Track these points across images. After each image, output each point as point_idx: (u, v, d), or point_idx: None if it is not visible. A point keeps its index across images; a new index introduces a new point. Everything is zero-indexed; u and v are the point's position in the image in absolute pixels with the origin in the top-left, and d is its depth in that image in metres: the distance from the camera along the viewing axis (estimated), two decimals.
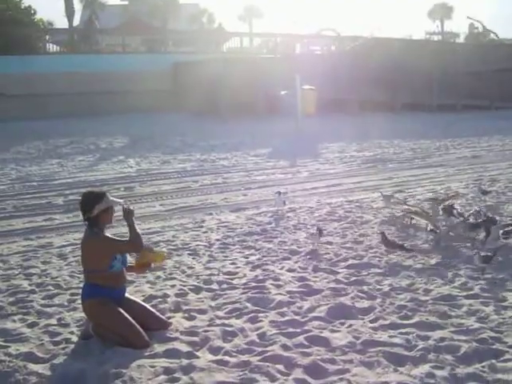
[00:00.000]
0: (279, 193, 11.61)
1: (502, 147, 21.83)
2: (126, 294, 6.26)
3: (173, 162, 18.50)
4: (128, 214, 6.12)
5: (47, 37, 43.79)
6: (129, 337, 5.76)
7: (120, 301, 6.04)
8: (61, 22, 56.77)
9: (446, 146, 21.94)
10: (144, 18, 56.39)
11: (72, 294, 7.28)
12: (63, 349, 5.78)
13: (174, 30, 53.49)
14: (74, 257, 8.88)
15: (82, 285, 7.40)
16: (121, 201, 6.32)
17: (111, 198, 6.08)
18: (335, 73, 33.28)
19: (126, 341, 5.74)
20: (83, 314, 6.24)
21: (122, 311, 5.89)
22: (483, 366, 5.26)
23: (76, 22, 56.16)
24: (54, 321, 6.48)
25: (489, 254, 7.96)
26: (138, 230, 6.15)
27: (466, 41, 74.48)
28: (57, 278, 7.99)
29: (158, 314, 6.31)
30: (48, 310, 6.81)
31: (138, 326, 5.83)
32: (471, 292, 7.11)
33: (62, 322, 6.45)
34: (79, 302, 6.83)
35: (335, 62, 35.85)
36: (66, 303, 7.03)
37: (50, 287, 7.61)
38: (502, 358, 5.41)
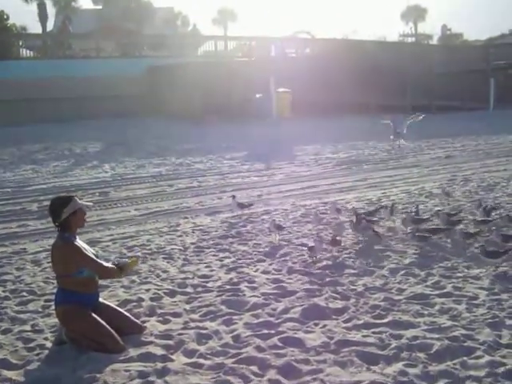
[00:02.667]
0: (233, 196, 11.68)
1: (475, 147, 22.03)
2: (100, 299, 6.25)
3: (148, 167, 18.46)
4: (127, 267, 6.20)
5: (20, 42, 43.43)
6: (103, 341, 5.75)
7: (93, 306, 6.02)
8: (34, 27, 56.46)
9: (421, 147, 22.11)
10: (118, 22, 56.19)
11: (46, 300, 7.24)
12: (37, 355, 5.76)
13: (149, 34, 53.37)
14: (49, 263, 8.79)
15: (55, 290, 7.43)
16: (89, 204, 6.28)
17: (79, 201, 6.03)
18: (310, 75, 33.38)
19: (100, 346, 5.73)
20: (57, 320, 6.23)
21: (96, 316, 5.87)
22: (455, 364, 5.33)
23: (49, 27, 55.94)
24: (27, 327, 6.45)
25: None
26: (115, 274, 6.24)
27: (439, 42, 75.12)
28: (31, 284, 7.94)
29: (132, 318, 6.30)
30: (22, 316, 6.78)
31: (113, 331, 5.82)
32: (444, 290, 7.18)
33: (36, 328, 6.42)
34: (53, 308, 6.81)
35: (310, 64, 35.98)
36: (40, 309, 7.00)
37: (24, 293, 7.57)
38: (473, 355, 5.48)
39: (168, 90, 33.99)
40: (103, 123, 31.88)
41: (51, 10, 57.80)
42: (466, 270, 7.95)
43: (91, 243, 9.75)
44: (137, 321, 6.31)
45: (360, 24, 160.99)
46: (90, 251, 6.03)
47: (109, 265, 6.20)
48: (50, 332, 6.27)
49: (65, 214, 5.89)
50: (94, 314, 5.89)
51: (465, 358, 5.41)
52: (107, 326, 5.83)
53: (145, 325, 6.30)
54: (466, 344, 5.70)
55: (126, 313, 6.35)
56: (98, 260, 6.03)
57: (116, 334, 5.81)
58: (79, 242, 5.99)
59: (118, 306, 6.61)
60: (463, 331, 5.96)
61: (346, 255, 8.75)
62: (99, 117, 33.36)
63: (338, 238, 9.04)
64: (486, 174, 15.80)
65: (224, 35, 61.78)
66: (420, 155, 20.15)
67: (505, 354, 5.50)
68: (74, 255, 5.84)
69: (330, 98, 34.34)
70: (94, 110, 34.30)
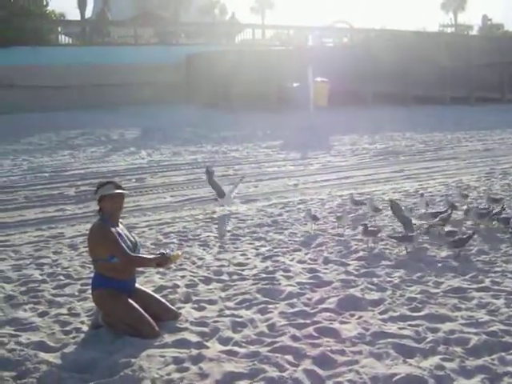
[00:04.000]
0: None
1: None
2: (137, 285, 6.28)
3: (184, 154, 18.52)
4: (161, 260, 6.11)
5: (59, 28, 43.76)
6: (138, 327, 5.78)
7: (130, 292, 6.06)
8: (73, 14, 56.90)
9: (458, 139, 21.86)
10: (156, 9, 56.35)
11: (82, 284, 7.31)
12: (73, 338, 5.81)
13: (186, 22, 53.41)
14: (85, 247, 8.84)
15: (92, 275, 7.49)
16: (122, 191, 6.20)
17: (109, 188, 6.03)
18: (348, 65, 33.15)
19: (135, 331, 5.76)
20: (93, 304, 6.27)
21: (132, 302, 5.91)
22: (493, 359, 5.25)
23: (88, 13, 56.24)
24: (64, 310, 6.51)
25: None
26: (148, 265, 6.34)
27: (479, 33, 74.02)
28: (68, 268, 8.02)
29: (168, 304, 6.32)
30: (59, 299, 6.84)
31: (148, 317, 5.85)
32: (482, 285, 7.08)
33: (73, 311, 6.48)
34: (89, 292, 6.87)
35: (348, 54, 35.74)
36: (76, 293, 7.06)
37: (61, 277, 7.64)
38: (511, 351, 5.39)
39: (205, 78, 34.00)
40: (140, 110, 32.02)
41: None
42: (504, 265, 7.83)
43: (127, 229, 9.84)
44: (172, 307, 6.33)
45: (399, 14, 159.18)
46: (128, 239, 6.06)
47: (142, 255, 6.22)
48: (86, 316, 6.31)
49: (97, 197, 6.04)
50: (130, 300, 5.92)
51: (503, 354, 5.32)
52: (143, 312, 5.86)
53: (180, 311, 6.31)
54: (504, 339, 5.60)
55: (162, 299, 6.37)
56: (129, 251, 5.95)
57: (152, 320, 5.84)
58: (118, 229, 6.03)
59: (153, 291, 6.64)
60: (501, 326, 5.86)
61: (382, 246, 8.68)
62: (136, 104, 33.51)
63: (371, 228, 8.93)
64: None
65: (262, 24, 61.62)
66: (458, 147, 19.92)
67: None
68: (105, 240, 5.88)
69: (367, 88, 34.11)
70: (131, 97, 34.44)
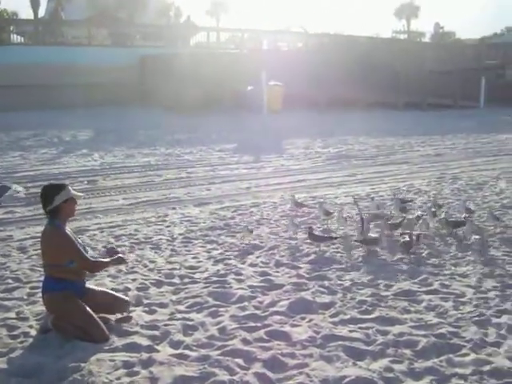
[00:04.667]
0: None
1: (464, 145, 22.06)
2: (86, 284, 6.22)
3: (137, 156, 18.36)
4: (118, 262, 6.33)
5: (11, 27, 43.09)
6: (89, 330, 5.72)
7: (81, 293, 5.99)
8: (26, 13, 56.08)
9: (410, 144, 22.11)
10: (111, 10, 55.88)
11: (32, 288, 7.20)
12: (21, 342, 5.72)
13: (141, 24, 53.09)
14: (35, 250, 8.77)
15: (42, 278, 7.35)
16: (81, 194, 6.29)
17: (72, 191, 6.00)
18: (302, 69, 33.30)
19: (85, 334, 5.71)
20: (42, 308, 6.20)
21: (83, 304, 5.85)
22: (441, 361, 5.33)
23: (41, 13, 55.55)
24: (12, 314, 6.40)
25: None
26: (107, 266, 6.39)
27: (432, 40, 75.17)
28: (16, 271, 7.88)
29: (118, 294, 6.39)
30: (7, 303, 6.72)
31: (99, 320, 5.81)
32: (431, 287, 7.19)
33: (21, 315, 6.37)
34: (39, 295, 6.79)
35: (302, 58, 35.92)
36: (25, 297, 6.95)
37: (10, 280, 7.50)
38: (459, 353, 5.49)
39: (159, 80, 33.82)
40: (93, 112, 31.67)
41: None
42: (453, 268, 7.97)
43: (79, 231, 9.74)
44: (123, 296, 6.39)
45: (353, 20, 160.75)
46: (78, 242, 5.99)
47: (96, 259, 6.18)
48: (35, 320, 6.22)
49: (56, 201, 5.86)
50: (81, 302, 5.85)
51: (451, 356, 5.42)
52: (94, 315, 5.81)
53: (131, 314, 6.26)
54: (452, 341, 5.71)
55: (112, 292, 6.43)
56: (86, 254, 5.96)
57: (102, 324, 5.79)
58: (68, 232, 5.95)
59: None
60: (450, 328, 5.97)
61: (333, 250, 8.74)
62: (89, 105, 33.11)
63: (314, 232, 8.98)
64: (475, 173, 15.83)
65: (217, 27, 61.62)
66: (410, 152, 20.16)
67: (491, 352, 5.50)
68: (66, 246, 5.81)
69: (321, 92, 34.27)
70: (84, 98, 33.99)
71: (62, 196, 5.88)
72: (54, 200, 5.86)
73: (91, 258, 5.99)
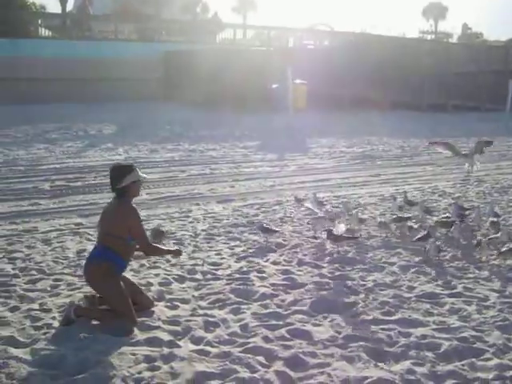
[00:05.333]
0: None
1: (489, 148, 21.85)
2: None
3: (161, 151, 18.43)
4: (175, 253, 6.79)
5: (39, 21, 43.43)
6: (122, 310, 5.91)
7: (120, 273, 6.21)
8: (54, 7, 56.50)
9: None
10: (138, 5, 56.09)
11: (55, 280, 7.25)
12: (44, 334, 5.75)
13: (167, 19, 53.26)
14: (59, 242, 8.86)
15: (65, 271, 7.47)
16: (148, 176, 6.82)
17: (140, 173, 6.30)
18: (328, 68, 33.21)
19: (114, 316, 5.92)
20: (65, 300, 6.28)
21: (122, 284, 6.06)
22: (463, 365, 5.30)
23: (69, 7, 55.84)
24: (35, 306, 6.45)
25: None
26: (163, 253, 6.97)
27: (459, 41, 74.68)
28: (40, 263, 7.94)
29: (145, 293, 6.54)
30: (30, 294, 6.78)
31: (131, 303, 6.00)
32: (454, 290, 7.14)
33: (44, 307, 6.41)
34: (62, 287, 6.89)
35: (328, 56, 35.79)
36: (48, 288, 6.99)
37: (34, 272, 7.57)
38: (482, 357, 5.45)
39: (184, 75, 33.94)
40: (118, 106, 31.87)
41: None
42: (476, 271, 7.90)
43: None
44: (149, 295, 6.55)
45: (380, 19, 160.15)
46: None
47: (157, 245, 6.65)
48: (58, 312, 6.26)
49: (126, 181, 6.13)
50: (121, 282, 6.10)
51: (473, 360, 5.38)
52: (128, 297, 6.02)
53: (153, 309, 6.29)
54: (474, 345, 5.66)
55: (139, 287, 6.57)
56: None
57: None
58: None
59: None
60: (472, 332, 5.92)
61: (356, 250, 8.71)
62: (115, 99, 33.33)
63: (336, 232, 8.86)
64: (500, 176, 15.71)
65: (243, 24, 61.63)
66: (434, 153, 20.02)
67: None
68: (135, 221, 6.14)
69: (346, 91, 34.18)
70: (110, 93, 34.26)
71: (132, 177, 6.17)
72: (124, 180, 6.12)
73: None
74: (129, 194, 6.21)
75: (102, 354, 5.28)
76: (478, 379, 5.08)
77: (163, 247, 6.77)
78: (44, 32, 43.23)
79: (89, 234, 9.37)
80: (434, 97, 37.70)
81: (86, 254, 8.18)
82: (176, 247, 6.93)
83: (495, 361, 5.38)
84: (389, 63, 34.79)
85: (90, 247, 8.50)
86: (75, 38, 41.47)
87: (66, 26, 44.21)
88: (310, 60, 34.13)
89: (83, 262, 7.83)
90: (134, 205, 6.25)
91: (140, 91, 34.58)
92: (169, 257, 8.09)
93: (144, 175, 6.42)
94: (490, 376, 5.11)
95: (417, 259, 8.32)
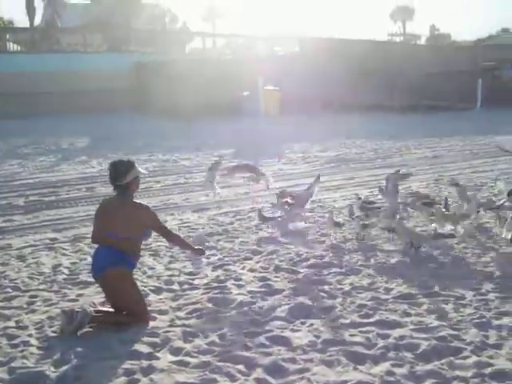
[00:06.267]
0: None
1: (461, 147, 22.05)
2: None
3: (135, 163, 18.32)
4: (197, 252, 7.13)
5: (7, 35, 43.17)
6: (137, 311, 6.19)
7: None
8: (22, 21, 56.23)
9: (408, 147, 22.10)
10: (106, 17, 55.96)
11: (31, 296, 7.18)
12: (21, 351, 5.69)
13: (137, 30, 53.18)
14: (34, 258, 8.78)
15: (41, 286, 7.41)
16: (145, 172, 7.26)
17: (140, 169, 6.49)
18: (298, 74, 33.35)
19: (127, 317, 6.13)
20: (42, 317, 6.23)
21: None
22: (442, 364, 5.33)
23: (37, 20, 55.61)
24: (12, 323, 6.38)
25: None
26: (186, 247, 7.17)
27: (427, 43, 75.37)
28: (15, 279, 7.85)
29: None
30: (6, 312, 6.70)
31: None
32: (431, 290, 7.18)
33: (21, 324, 6.35)
34: (38, 304, 6.83)
35: (298, 63, 35.93)
36: (24, 305, 6.92)
37: (9, 289, 7.48)
38: (460, 355, 5.48)
39: (155, 86, 33.89)
40: (90, 118, 31.69)
41: (39, 4, 57.48)
42: (453, 270, 7.95)
43: (77, 239, 9.74)
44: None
45: (349, 23, 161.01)
46: None
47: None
48: (35, 328, 6.20)
49: (129, 177, 6.25)
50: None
51: (452, 358, 5.41)
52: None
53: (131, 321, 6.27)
54: (452, 344, 5.70)
55: None
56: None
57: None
58: None
59: (103, 302, 6.65)
60: (450, 331, 5.96)
61: (332, 254, 8.73)
62: (86, 112, 33.18)
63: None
64: (473, 175, 15.84)
65: (212, 33, 61.71)
66: (407, 155, 20.17)
67: (492, 354, 5.50)
68: (154, 217, 6.41)
69: (318, 96, 34.31)
70: (81, 105, 34.10)
71: (134, 173, 6.31)
72: (128, 175, 6.24)
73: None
74: (130, 190, 6.31)
75: (82, 369, 5.25)
76: (457, 378, 5.11)
77: (186, 240, 7.09)
78: (12, 47, 42.96)
79: (64, 248, 9.30)
80: (406, 98, 37.96)
81: (62, 269, 8.17)
82: (198, 247, 7.19)
83: (473, 358, 5.42)
84: (359, 67, 34.97)
85: (66, 262, 8.51)
86: (44, 51, 41.25)
87: (34, 39, 43.95)
88: (281, 67, 34.28)
89: (59, 277, 7.85)
90: (140, 202, 6.43)
91: (111, 103, 34.46)
92: (146, 270, 8.07)
93: (144, 171, 6.67)
94: (469, 374, 5.15)
95: (393, 261, 8.37)
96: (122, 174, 6.24)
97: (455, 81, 39.37)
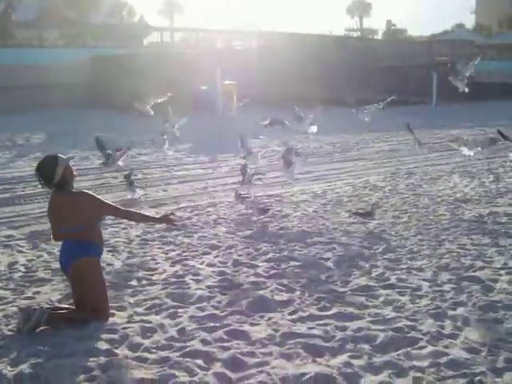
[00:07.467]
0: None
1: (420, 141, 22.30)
2: None
3: (92, 158, 18.17)
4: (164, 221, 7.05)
5: None
6: (100, 306, 6.10)
7: (100, 256, 6.40)
8: None
9: (365, 141, 22.34)
10: (62, 10, 55.29)
11: None
12: None
13: (93, 24, 52.66)
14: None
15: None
16: (71, 155, 6.97)
17: (65, 157, 6.21)
18: (256, 68, 33.42)
19: (89, 312, 6.02)
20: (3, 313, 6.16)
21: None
22: (399, 354, 5.39)
23: None
24: None
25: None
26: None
27: (384, 37, 76.02)
28: None
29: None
30: None
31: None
32: (388, 282, 7.27)
33: None
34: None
35: (256, 57, 36.00)
36: None
37: None
38: (416, 346, 5.55)
39: (112, 81, 33.62)
40: (46, 114, 31.32)
41: None
42: (409, 262, 8.06)
43: (33, 236, 9.63)
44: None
45: (307, 18, 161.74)
46: None
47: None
48: None
49: (58, 172, 6.01)
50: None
51: (408, 349, 5.48)
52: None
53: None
54: (409, 335, 5.77)
55: None
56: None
57: None
58: None
59: (61, 300, 6.62)
60: (407, 322, 6.04)
61: (291, 248, 8.77)
62: (42, 107, 32.77)
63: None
64: (429, 168, 16.07)
65: (170, 27, 61.39)
66: (364, 148, 20.37)
67: (447, 344, 5.58)
68: (99, 202, 6.19)
69: (275, 90, 34.42)
70: (37, 100, 33.66)
71: (61, 165, 6.04)
72: (56, 173, 6.01)
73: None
74: (68, 182, 6.13)
75: (39, 368, 5.17)
76: (414, 367, 5.17)
77: (145, 213, 6.96)
78: None
79: (20, 245, 9.16)
80: (361, 92, 38.25)
81: (18, 267, 8.06)
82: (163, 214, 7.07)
83: (429, 348, 5.49)
84: (315, 61, 35.19)
85: (22, 259, 8.39)
86: None
87: None
88: (239, 61, 34.28)
89: (15, 274, 7.74)
90: (80, 190, 6.35)
91: (68, 98, 34.08)
92: (105, 266, 8.00)
93: (69, 155, 6.41)
94: (425, 364, 5.22)
95: (351, 254, 8.44)
96: (50, 174, 6.03)
97: (411, 75, 39.87)
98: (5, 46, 41.28)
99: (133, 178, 12.26)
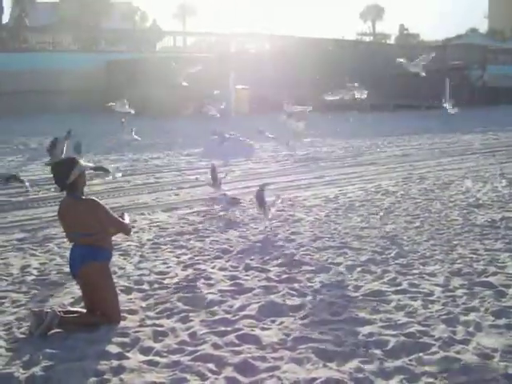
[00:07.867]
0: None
1: (430, 146, 22.30)
2: None
3: (105, 162, 18.23)
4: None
5: None
6: (110, 309, 6.14)
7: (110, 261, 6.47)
8: None
9: (377, 145, 22.29)
10: (75, 15, 55.55)
11: None
12: None
13: (107, 29, 52.86)
14: (2, 259, 8.69)
15: (9, 288, 7.33)
16: (90, 164, 6.93)
17: (84, 163, 6.27)
18: (269, 72, 33.41)
19: (100, 316, 6.10)
20: (10, 318, 6.17)
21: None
22: (410, 360, 5.37)
23: (5, 19, 55.02)
24: None
25: None
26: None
27: (396, 42, 75.91)
28: None
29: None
30: None
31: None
32: (400, 287, 7.24)
33: None
34: (7, 305, 6.76)
35: (269, 61, 35.99)
36: None
37: None
38: (428, 351, 5.53)
39: (125, 85, 33.70)
40: (60, 118, 31.38)
41: (7, 3, 57.01)
42: (421, 267, 8.03)
43: (46, 239, 9.66)
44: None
45: (319, 22, 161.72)
46: None
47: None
48: (3, 330, 6.12)
49: (73, 175, 6.04)
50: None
51: (420, 354, 5.45)
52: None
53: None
54: (421, 340, 5.74)
55: None
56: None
57: None
58: None
59: (73, 303, 6.64)
60: (419, 327, 6.01)
61: (302, 252, 8.76)
62: (56, 111, 32.91)
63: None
64: (442, 173, 16.01)
65: (183, 31, 61.54)
66: (377, 153, 20.32)
67: (459, 349, 5.55)
68: (105, 213, 6.14)
69: (287, 94, 34.34)
70: (50, 104, 33.83)
71: (77, 170, 6.08)
72: (71, 175, 6.04)
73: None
74: (78, 188, 6.15)
75: (51, 370, 5.19)
76: (426, 373, 5.15)
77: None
78: None
79: (33, 249, 9.21)
80: (375, 97, 38.17)
81: (31, 270, 8.10)
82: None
83: (441, 354, 5.46)
84: (328, 65, 35.15)
85: (35, 263, 8.42)
86: (12, 50, 40.83)
87: (2, 38, 43.50)
88: (252, 65, 34.29)
89: (28, 278, 7.77)
90: (90, 197, 6.30)
91: (82, 102, 34.26)
92: (116, 269, 8.02)
93: (88, 164, 6.50)
94: (437, 369, 5.20)
95: (363, 258, 8.42)
96: (64, 174, 6.07)
97: (424, 80, 39.69)
98: (18, 50, 41.49)
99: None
